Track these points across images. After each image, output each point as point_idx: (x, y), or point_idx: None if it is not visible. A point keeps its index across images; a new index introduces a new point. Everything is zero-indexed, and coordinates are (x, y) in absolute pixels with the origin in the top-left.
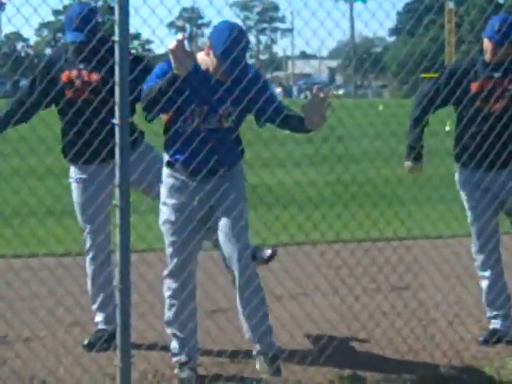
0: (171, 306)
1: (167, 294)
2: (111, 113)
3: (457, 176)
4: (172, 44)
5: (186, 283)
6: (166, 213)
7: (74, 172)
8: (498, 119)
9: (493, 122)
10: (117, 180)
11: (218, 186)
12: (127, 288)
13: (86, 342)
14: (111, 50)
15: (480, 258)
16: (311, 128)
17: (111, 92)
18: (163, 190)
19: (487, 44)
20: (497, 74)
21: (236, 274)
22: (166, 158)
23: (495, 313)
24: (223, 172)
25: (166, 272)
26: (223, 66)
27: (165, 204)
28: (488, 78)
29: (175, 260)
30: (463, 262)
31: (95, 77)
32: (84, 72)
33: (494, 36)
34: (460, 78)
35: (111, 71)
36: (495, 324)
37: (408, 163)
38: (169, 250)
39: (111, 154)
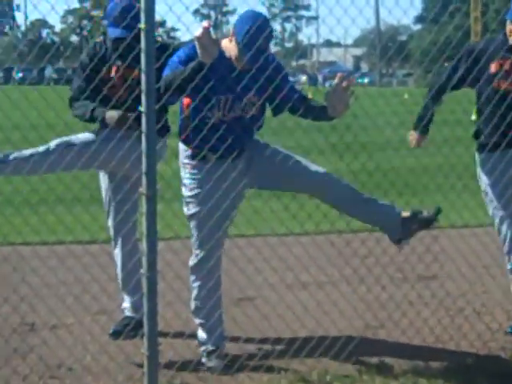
0: (198, 294)
1: (194, 283)
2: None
3: (477, 159)
4: (198, 31)
5: (213, 272)
6: (193, 204)
7: None
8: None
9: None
10: (144, 168)
11: (247, 162)
12: (154, 276)
13: (112, 329)
14: None
15: (506, 240)
16: (334, 115)
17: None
18: (188, 182)
19: (510, 27)
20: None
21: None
22: (185, 148)
23: None
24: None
25: (193, 261)
26: (245, 55)
27: (192, 196)
28: (506, 58)
29: (202, 249)
30: (490, 252)
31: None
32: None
33: None
34: (478, 57)
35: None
36: None
37: (413, 133)
38: (196, 240)
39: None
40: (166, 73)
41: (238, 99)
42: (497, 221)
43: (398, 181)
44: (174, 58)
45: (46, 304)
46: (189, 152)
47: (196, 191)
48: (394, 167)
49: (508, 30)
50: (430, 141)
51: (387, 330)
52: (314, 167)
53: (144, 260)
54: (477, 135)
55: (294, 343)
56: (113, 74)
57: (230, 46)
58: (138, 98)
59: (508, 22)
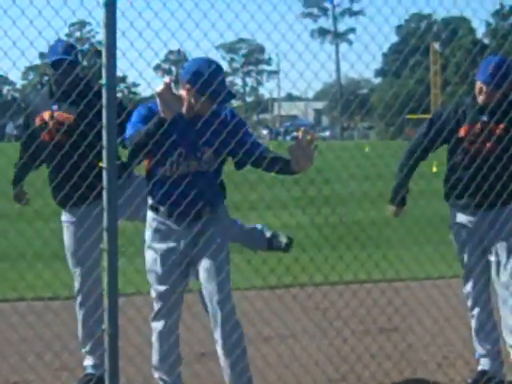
0: (158, 349)
1: (154, 337)
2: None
3: (450, 217)
4: (159, 87)
5: (173, 327)
6: (150, 260)
7: (64, 215)
8: (485, 161)
9: (480, 164)
10: (105, 223)
11: (203, 230)
12: (115, 332)
13: None
14: (86, 91)
15: (470, 297)
16: (298, 170)
17: (85, 134)
18: (148, 233)
19: (481, 87)
20: (484, 118)
21: (219, 335)
22: (149, 201)
23: (484, 352)
24: (208, 215)
25: (152, 315)
26: (202, 94)
27: (150, 248)
28: (475, 122)
29: (161, 304)
30: (451, 304)
31: (68, 117)
32: (57, 113)
33: (489, 79)
34: (447, 122)
35: (85, 112)
36: (484, 365)
37: (392, 207)
38: (155, 295)
39: (99, 196)
40: (129, 133)
41: (191, 153)
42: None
43: (362, 234)
44: (133, 119)
45: (7, 361)
46: (151, 206)
47: (152, 243)
48: (357, 220)
49: (478, 90)
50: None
51: (349, 383)
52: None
53: (105, 315)
54: (449, 193)
55: None
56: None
57: (183, 97)
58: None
59: (478, 83)
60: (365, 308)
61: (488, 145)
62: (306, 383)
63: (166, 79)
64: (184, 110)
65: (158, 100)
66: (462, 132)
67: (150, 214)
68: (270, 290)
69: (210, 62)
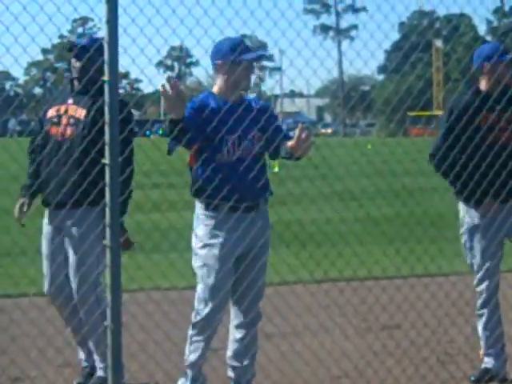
0: (197, 349)
1: (197, 337)
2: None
3: (464, 214)
4: (162, 88)
5: (216, 327)
6: (204, 255)
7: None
8: (503, 150)
9: (500, 154)
10: (107, 220)
11: (250, 229)
12: (119, 328)
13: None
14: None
15: (484, 295)
16: (298, 155)
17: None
18: (200, 233)
19: (486, 68)
20: (498, 107)
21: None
22: (201, 205)
23: (489, 351)
24: (256, 210)
25: (195, 318)
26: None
27: (205, 246)
28: (491, 112)
29: (211, 304)
30: (452, 300)
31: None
32: (73, 107)
33: (492, 55)
34: (465, 111)
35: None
36: (487, 363)
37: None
38: (204, 294)
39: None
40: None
41: (243, 138)
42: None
43: (362, 231)
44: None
45: (9, 357)
46: (202, 204)
47: (208, 241)
48: (357, 217)
49: (485, 74)
50: (393, 190)
51: (352, 380)
52: (255, 305)
53: (108, 312)
54: (460, 191)
55: None
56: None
57: (220, 84)
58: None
59: (484, 65)
60: (367, 305)
61: (505, 134)
62: (309, 380)
63: (168, 79)
64: (224, 92)
65: (163, 101)
66: (479, 122)
67: (201, 213)
68: (271, 287)
69: (227, 38)
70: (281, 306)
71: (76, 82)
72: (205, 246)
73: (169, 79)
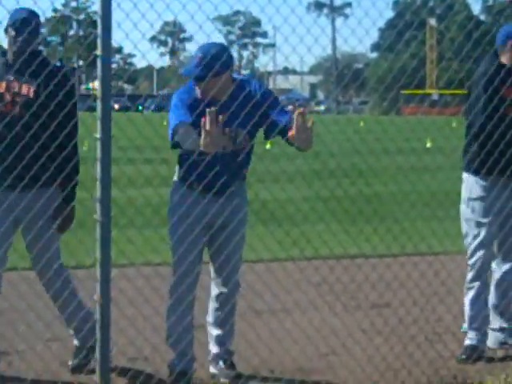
0: (168, 318)
1: (172, 308)
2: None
3: (469, 187)
4: (207, 124)
5: (184, 296)
6: (173, 220)
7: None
8: None
9: None
10: (98, 194)
11: (225, 206)
12: (107, 303)
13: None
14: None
15: (474, 269)
16: (305, 148)
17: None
18: (173, 198)
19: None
20: None
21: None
22: (177, 171)
23: (475, 325)
24: (230, 190)
25: (168, 286)
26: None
27: (172, 210)
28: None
29: (177, 272)
30: (442, 279)
31: (28, 89)
32: (15, 84)
33: None
34: (493, 81)
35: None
36: (472, 339)
37: None
38: (172, 263)
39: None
40: (174, 123)
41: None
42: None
43: (352, 208)
44: (175, 106)
45: None
46: (180, 174)
47: (176, 207)
48: (348, 195)
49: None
50: (385, 169)
51: (340, 358)
52: (233, 276)
53: (97, 287)
54: (472, 161)
55: (246, 371)
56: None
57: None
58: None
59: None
60: (356, 283)
61: None
62: (297, 357)
63: (211, 110)
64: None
65: (202, 134)
66: (504, 93)
67: (177, 183)
68: (261, 263)
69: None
70: (271, 283)
71: (11, 56)
72: (171, 210)
73: (210, 113)
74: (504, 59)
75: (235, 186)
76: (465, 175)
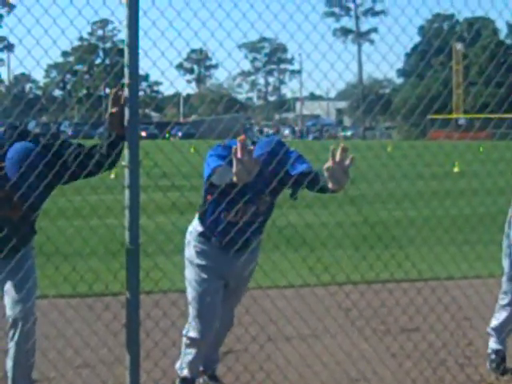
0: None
1: (189, 350)
2: None
3: None
4: (238, 152)
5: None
6: (192, 271)
7: None
8: None
9: None
10: (126, 222)
11: (245, 261)
12: (136, 326)
13: None
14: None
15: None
16: (337, 189)
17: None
18: (191, 251)
19: None
20: None
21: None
22: (199, 227)
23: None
24: (252, 248)
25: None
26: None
27: (192, 263)
28: None
29: (200, 323)
30: (473, 304)
31: None
32: None
33: None
34: None
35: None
36: (495, 344)
37: None
38: (193, 311)
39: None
40: (214, 165)
41: (251, 203)
42: None
43: (385, 234)
44: (213, 158)
45: None
46: (199, 230)
47: (196, 260)
48: (381, 220)
49: None
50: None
51: (370, 383)
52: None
53: (126, 311)
54: None
55: None
56: None
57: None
58: None
59: None
60: (387, 308)
61: None
62: (327, 382)
63: (241, 138)
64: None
65: (234, 164)
66: None
67: (196, 237)
68: (292, 289)
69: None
70: (301, 308)
71: None
72: (191, 263)
73: (240, 141)
74: None
75: (256, 241)
76: None
